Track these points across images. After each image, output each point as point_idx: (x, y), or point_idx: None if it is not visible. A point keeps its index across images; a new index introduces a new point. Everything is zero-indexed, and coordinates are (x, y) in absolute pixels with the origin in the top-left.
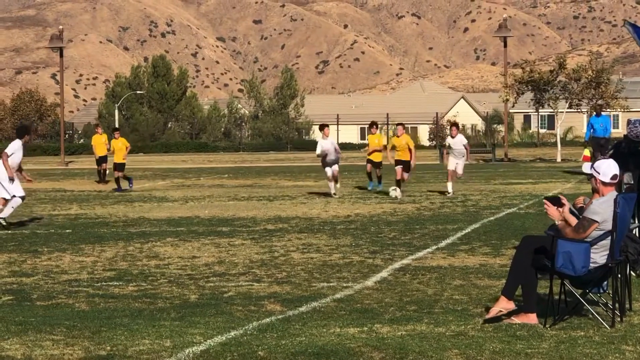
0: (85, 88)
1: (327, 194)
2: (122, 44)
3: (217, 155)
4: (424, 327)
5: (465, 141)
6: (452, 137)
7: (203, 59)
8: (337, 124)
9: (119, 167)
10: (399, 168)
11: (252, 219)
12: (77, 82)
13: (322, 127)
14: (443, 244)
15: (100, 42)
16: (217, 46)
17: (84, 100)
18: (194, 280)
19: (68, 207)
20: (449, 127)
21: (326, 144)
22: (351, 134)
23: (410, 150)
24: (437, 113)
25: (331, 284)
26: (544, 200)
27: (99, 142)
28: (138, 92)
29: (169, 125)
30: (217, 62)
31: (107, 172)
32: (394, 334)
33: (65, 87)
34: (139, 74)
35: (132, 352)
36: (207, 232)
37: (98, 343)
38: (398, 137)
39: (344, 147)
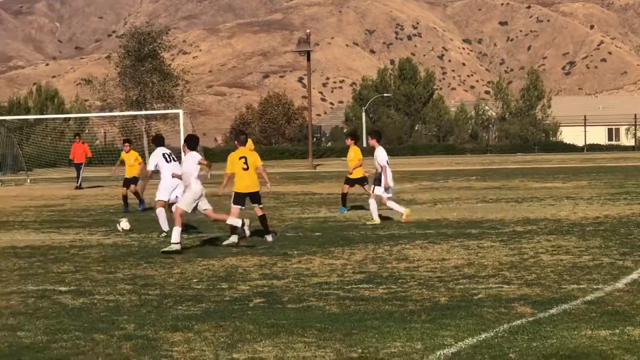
0: (332, 91)
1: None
2: (368, 47)
3: (464, 158)
4: None
5: None
6: None
7: (449, 61)
8: (585, 126)
9: (131, 182)
10: None
11: (501, 221)
12: (324, 85)
13: None
14: None
15: (347, 45)
16: (464, 48)
17: (331, 103)
18: (444, 283)
19: (317, 210)
20: None
21: None
22: (599, 136)
23: None
24: None
25: (581, 286)
26: None
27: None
28: (385, 94)
29: (416, 128)
30: (464, 64)
31: None
32: None
33: (312, 91)
34: (385, 76)
35: (384, 354)
36: (456, 235)
37: (349, 345)
38: None
39: (591, 148)
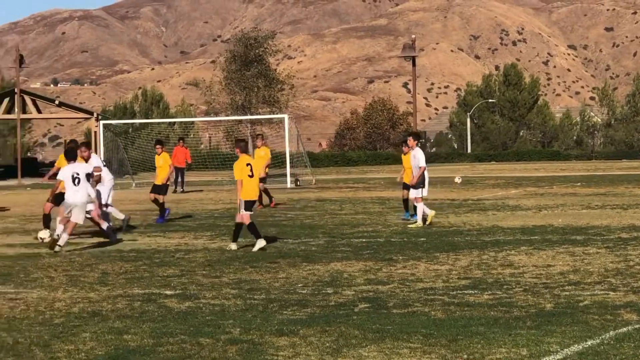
0: (437, 97)
1: None
2: (473, 52)
3: (569, 164)
4: None
5: None
6: None
7: (554, 67)
8: None
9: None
10: None
11: (606, 228)
12: (429, 90)
13: None
14: None
15: (452, 50)
16: (569, 54)
17: (435, 108)
18: (549, 289)
19: None
20: None
21: None
22: None
23: None
24: None
25: None
26: None
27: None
28: (489, 100)
29: (521, 134)
30: (569, 70)
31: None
32: None
33: (417, 96)
34: (490, 82)
35: None
36: (561, 241)
37: (455, 351)
38: None
39: None
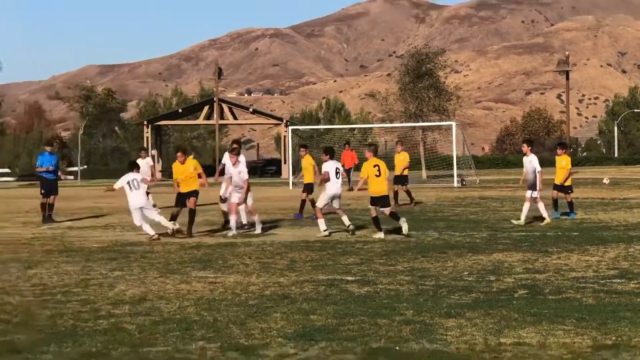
0: (587, 107)
1: None
2: (620, 67)
3: None
4: None
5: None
6: None
7: None
8: None
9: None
10: None
11: None
12: (580, 101)
13: None
14: None
15: (601, 65)
16: None
17: (586, 117)
18: None
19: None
20: None
21: None
22: None
23: None
24: None
25: None
26: None
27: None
28: (635, 110)
29: None
30: None
31: None
32: None
33: (569, 106)
34: (635, 94)
35: (636, 342)
36: None
37: (604, 333)
38: None
39: None
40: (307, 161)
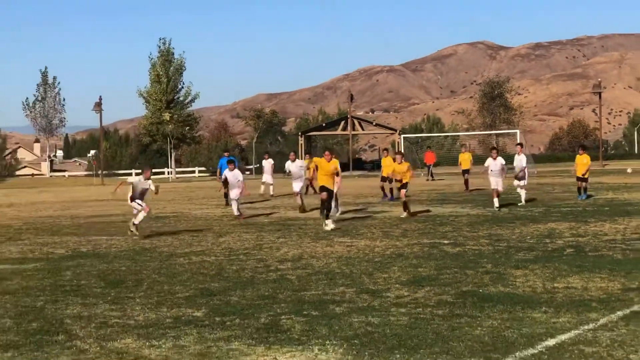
0: (614, 117)
1: None
2: (638, 89)
3: None
4: None
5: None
6: None
7: None
8: None
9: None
10: None
11: None
12: (609, 114)
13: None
14: None
15: (624, 88)
16: None
17: (614, 125)
18: None
19: (605, 193)
20: None
21: None
22: None
23: None
24: None
25: None
26: None
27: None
28: None
29: None
30: None
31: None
32: None
33: (601, 117)
34: None
35: None
36: None
37: (630, 280)
38: None
39: None
40: (386, 161)
